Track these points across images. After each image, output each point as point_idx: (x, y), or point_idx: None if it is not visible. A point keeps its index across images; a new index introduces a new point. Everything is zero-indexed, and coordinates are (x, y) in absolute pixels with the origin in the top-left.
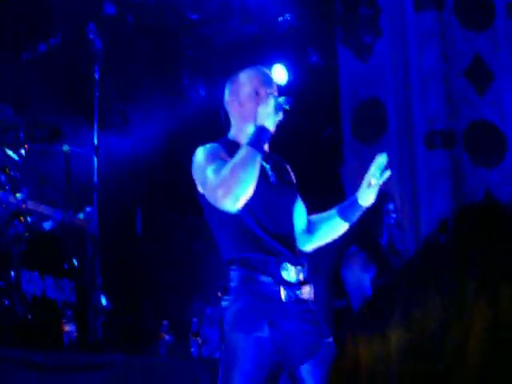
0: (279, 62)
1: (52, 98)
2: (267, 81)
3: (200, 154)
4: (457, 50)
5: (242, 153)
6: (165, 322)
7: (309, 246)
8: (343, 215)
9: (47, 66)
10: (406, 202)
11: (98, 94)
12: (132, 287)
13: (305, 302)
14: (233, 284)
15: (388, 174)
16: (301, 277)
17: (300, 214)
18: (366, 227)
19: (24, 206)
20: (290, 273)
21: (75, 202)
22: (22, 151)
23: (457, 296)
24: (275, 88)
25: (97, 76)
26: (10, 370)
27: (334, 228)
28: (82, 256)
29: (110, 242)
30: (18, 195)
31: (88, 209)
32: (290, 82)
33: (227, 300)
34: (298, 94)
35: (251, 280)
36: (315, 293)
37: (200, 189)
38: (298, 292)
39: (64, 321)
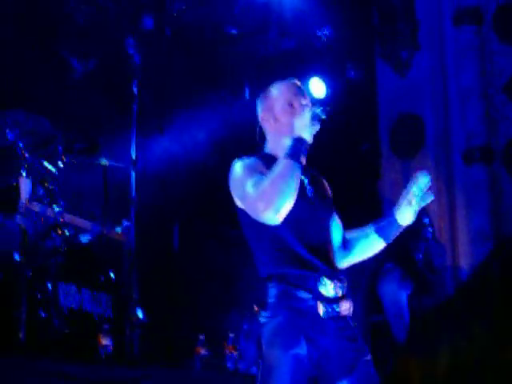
0: (317, 75)
1: (91, 112)
2: (299, 92)
3: (238, 167)
4: (495, 65)
5: (281, 165)
6: (201, 336)
7: (344, 262)
8: (381, 233)
9: (87, 80)
10: (443, 217)
11: (136, 108)
12: (169, 301)
13: (343, 318)
14: (270, 300)
15: (431, 198)
16: (339, 292)
17: (336, 230)
18: (402, 243)
19: (62, 219)
20: (329, 288)
21: (113, 215)
22: (60, 164)
23: (501, 329)
24: (308, 99)
25: (135, 90)
26: (47, 383)
27: (370, 246)
28: (118, 269)
29: (147, 255)
30: (56, 208)
31: (125, 222)
32: (328, 96)
33: (265, 316)
34: (336, 108)
35: (289, 296)
36: (353, 308)
37: (239, 203)
38: (336, 308)
39: (101, 334)
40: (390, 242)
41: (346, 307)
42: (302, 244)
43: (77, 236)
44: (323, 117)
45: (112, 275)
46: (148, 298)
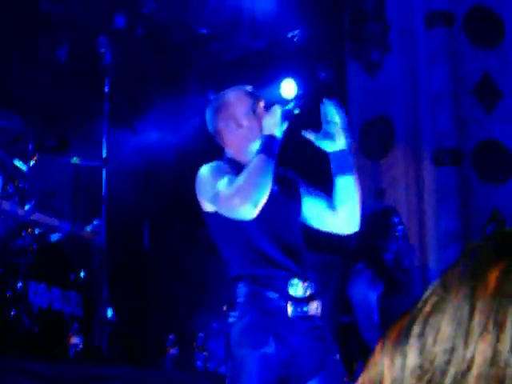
0: (288, 77)
1: (61, 110)
2: (257, 96)
3: (206, 171)
4: (466, 67)
5: (255, 161)
6: (171, 336)
7: (342, 223)
8: (340, 172)
9: (58, 78)
10: (412, 218)
11: (107, 106)
12: (138, 300)
13: (312, 318)
14: (240, 300)
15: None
16: (308, 292)
17: (315, 205)
18: (372, 244)
19: (32, 217)
20: (297, 288)
21: (83, 214)
22: (31, 162)
23: (466, 328)
24: (262, 101)
25: (106, 88)
26: (16, 381)
27: (344, 189)
28: (88, 268)
29: (118, 254)
30: (26, 206)
31: (96, 221)
32: (298, 97)
33: (233, 316)
34: (306, 108)
35: (258, 296)
36: (322, 308)
37: (207, 206)
38: (305, 308)
39: (70, 333)
40: (351, 170)
41: (314, 307)
42: (271, 243)
43: (47, 235)
44: (296, 111)
45: (82, 274)
46: (118, 296)
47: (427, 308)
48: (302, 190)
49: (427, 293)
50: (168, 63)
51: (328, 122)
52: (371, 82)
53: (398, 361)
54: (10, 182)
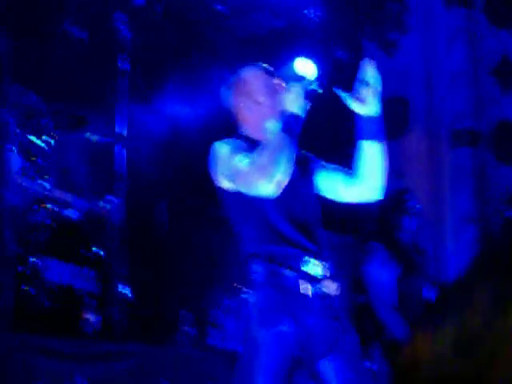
0: (304, 55)
1: (78, 87)
2: (273, 73)
3: (223, 147)
4: (485, 48)
5: (277, 139)
6: (185, 313)
7: (363, 191)
8: (367, 136)
9: (76, 54)
10: (428, 199)
11: (124, 83)
12: (154, 277)
13: (329, 297)
14: (255, 277)
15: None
16: (324, 271)
17: (331, 178)
18: (387, 223)
19: (48, 193)
20: (314, 267)
21: (100, 191)
22: (47, 138)
23: (506, 302)
24: (280, 80)
25: (124, 65)
26: (31, 357)
27: (371, 155)
28: (105, 245)
29: (134, 231)
30: (42, 182)
31: (113, 198)
32: (320, 77)
33: (249, 293)
34: (323, 88)
35: (274, 274)
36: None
37: (224, 182)
38: (321, 287)
39: (85, 309)
40: (379, 137)
41: (331, 287)
42: (288, 222)
43: (63, 211)
44: (319, 91)
45: (98, 251)
46: (133, 274)
47: (464, 285)
48: (315, 167)
49: (463, 272)
50: (186, 40)
51: (362, 83)
52: (388, 61)
53: (437, 336)
54: (27, 159)
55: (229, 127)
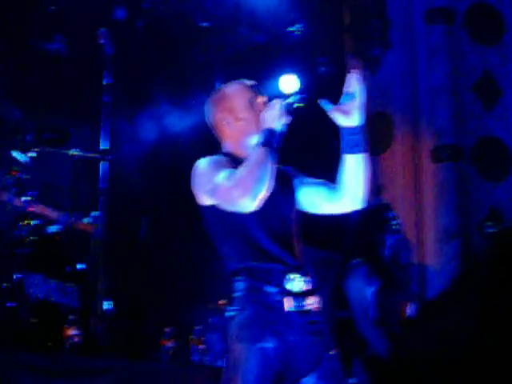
0: (288, 71)
1: (61, 102)
2: (256, 90)
3: (204, 164)
4: (466, 64)
5: (255, 154)
6: (167, 329)
7: (345, 201)
8: (349, 150)
9: (58, 69)
10: (410, 215)
11: (107, 98)
12: (136, 293)
13: (310, 313)
14: (237, 294)
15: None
16: (306, 287)
17: (312, 192)
18: (368, 239)
19: (29, 208)
20: (295, 283)
21: (81, 206)
22: (29, 154)
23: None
24: (265, 98)
25: (107, 81)
26: (12, 373)
27: (352, 167)
28: (86, 260)
29: (116, 247)
30: (24, 198)
31: (93, 213)
32: (299, 91)
33: (231, 310)
34: (308, 103)
35: (256, 290)
36: (320, 303)
37: (205, 199)
38: (302, 302)
39: (66, 325)
40: (362, 148)
41: (312, 302)
42: (269, 238)
43: (44, 226)
44: (300, 104)
45: (79, 266)
46: (115, 289)
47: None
48: (296, 182)
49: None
50: (168, 56)
51: (347, 94)
52: (371, 78)
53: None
54: (7, 174)
55: (213, 144)
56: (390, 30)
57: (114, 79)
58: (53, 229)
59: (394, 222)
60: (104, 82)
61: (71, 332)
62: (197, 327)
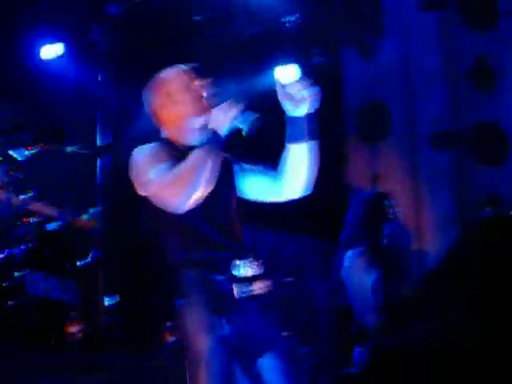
0: (283, 62)
1: (56, 99)
2: (195, 72)
3: (141, 153)
4: (461, 50)
5: (195, 155)
6: (168, 323)
7: (287, 189)
8: (293, 139)
9: (53, 66)
10: (409, 203)
11: (101, 95)
12: (136, 288)
13: (258, 297)
14: (186, 285)
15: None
16: (252, 272)
17: (253, 179)
18: (366, 228)
19: (28, 207)
20: (241, 269)
21: (80, 202)
22: (26, 152)
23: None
24: (205, 80)
25: (101, 77)
26: (14, 369)
27: (296, 157)
28: (86, 257)
29: (115, 242)
30: (22, 196)
31: (91, 210)
32: (301, 78)
33: (183, 301)
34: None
35: (205, 280)
36: (303, 293)
37: (140, 191)
38: (250, 287)
39: (68, 321)
40: (308, 137)
41: (259, 286)
42: (212, 226)
43: (44, 224)
44: (256, 125)
45: (79, 263)
46: (115, 285)
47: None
48: (236, 169)
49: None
50: (163, 51)
51: (288, 85)
52: (366, 66)
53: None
54: (6, 172)
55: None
56: (384, 18)
57: (108, 75)
58: (52, 226)
59: (392, 211)
60: (99, 79)
61: (72, 329)
62: None
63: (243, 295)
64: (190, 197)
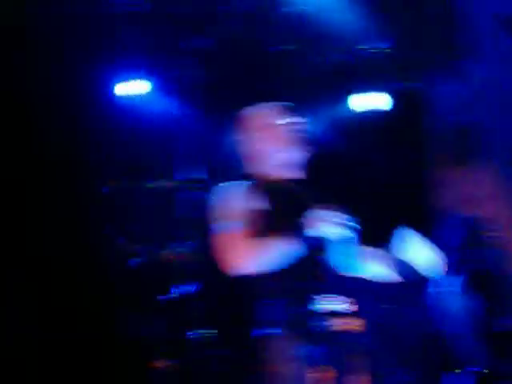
0: (372, 90)
1: (135, 136)
2: (283, 110)
3: (221, 197)
4: None
5: (279, 244)
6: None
7: None
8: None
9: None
10: (508, 226)
11: (188, 130)
12: (234, 320)
13: (341, 333)
14: (271, 316)
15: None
16: (334, 308)
17: None
18: (466, 254)
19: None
20: (322, 304)
21: (162, 237)
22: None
23: None
24: (293, 119)
25: (187, 112)
26: None
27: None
28: (176, 291)
29: (216, 274)
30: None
31: (174, 244)
32: (391, 108)
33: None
34: (393, 119)
35: (289, 310)
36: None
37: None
38: (330, 323)
39: (155, 357)
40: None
41: (340, 322)
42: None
43: (129, 261)
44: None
45: (169, 297)
46: (209, 317)
47: None
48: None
49: None
50: (243, 80)
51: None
52: (457, 89)
53: None
54: None
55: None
56: (477, 41)
57: (196, 110)
58: (135, 261)
59: (491, 235)
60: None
61: (159, 364)
62: None
63: (321, 329)
64: (252, 269)
